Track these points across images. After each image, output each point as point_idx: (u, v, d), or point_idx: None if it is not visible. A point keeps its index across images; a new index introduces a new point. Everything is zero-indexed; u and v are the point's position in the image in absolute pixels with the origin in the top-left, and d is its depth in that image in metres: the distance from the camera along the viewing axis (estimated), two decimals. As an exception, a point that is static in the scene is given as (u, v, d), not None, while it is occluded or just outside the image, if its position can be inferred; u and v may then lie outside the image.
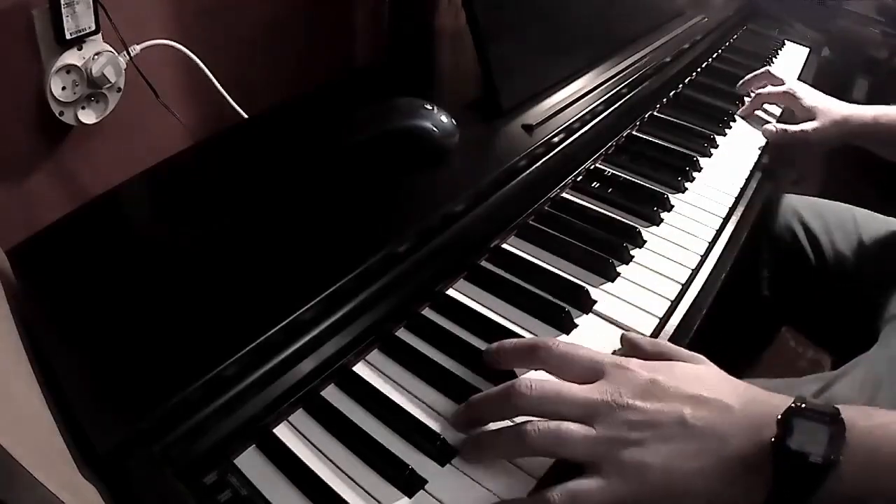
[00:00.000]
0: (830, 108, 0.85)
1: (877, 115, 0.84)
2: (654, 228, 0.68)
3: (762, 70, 0.94)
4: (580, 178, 0.74)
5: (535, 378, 0.41)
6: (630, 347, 0.46)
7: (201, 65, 0.72)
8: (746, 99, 0.93)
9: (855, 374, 0.66)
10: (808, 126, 0.84)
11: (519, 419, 0.41)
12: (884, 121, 0.83)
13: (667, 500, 0.36)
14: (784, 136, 0.84)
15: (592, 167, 0.76)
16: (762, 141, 0.87)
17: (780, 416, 0.35)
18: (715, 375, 0.40)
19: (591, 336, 0.55)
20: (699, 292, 0.61)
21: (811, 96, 0.87)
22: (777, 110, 0.93)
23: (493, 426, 0.43)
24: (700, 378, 0.39)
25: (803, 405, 0.36)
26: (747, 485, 0.35)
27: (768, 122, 0.90)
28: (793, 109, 0.89)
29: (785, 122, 0.87)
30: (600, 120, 0.77)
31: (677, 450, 0.36)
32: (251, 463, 0.44)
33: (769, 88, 0.90)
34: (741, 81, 0.95)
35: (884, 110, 0.84)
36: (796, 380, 0.68)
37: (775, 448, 0.34)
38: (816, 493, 0.34)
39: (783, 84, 0.90)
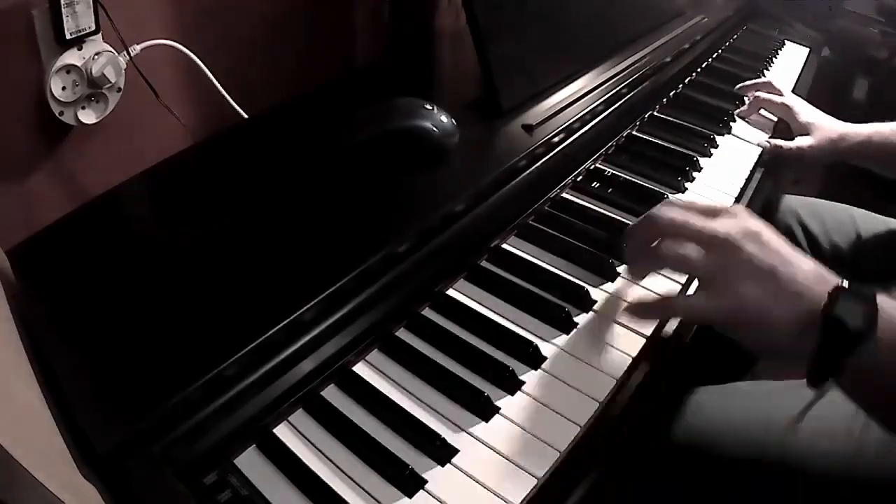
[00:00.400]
0: (825, 125, 0.86)
1: (870, 133, 0.84)
2: (654, 228, 0.68)
3: (764, 80, 0.94)
4: (580, 178, 0.74)
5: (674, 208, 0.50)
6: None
7: (201, 65, 0.72)
8: (746, 99, 0.93)
9: None
10: (802, 143, 0.85)
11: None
12: (877, 139, 0.84)
13: (750, 329, 0.46)
14: (778, 152, 0.84)
15: (592, 167, 0.76)
16: (763, 138, 0.87)
17: (830, 291, 0.44)
18: (793, 247, 0.48)
19: (591, 336, 0.55)
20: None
21: (807, 112, 0.87)
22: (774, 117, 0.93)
23: None
24: (788, 244, 0.48)
25: (846, 286, 0.44)
26: (803, 341, 0.43)
27: (768, 120, 0.91)
28: (790, 124, 0.89)
29: (781, 135, 0.87)
30: (600, 120, 0.77)
31: (768, 293, 0.45)
32: (251, 463, 0.44)
33: (769, 95, 0.90)
34: (740, 84, 0.95)
35: (877, 128, 0.85)
36: (797, 382, 0.68)
37: (823, 313, 0.43)
38: (851, 356, 0.42)
39: (782, 95, 0.90)
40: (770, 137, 0.87)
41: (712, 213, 0.49)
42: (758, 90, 0.92)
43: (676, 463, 0.64)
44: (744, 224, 0.48)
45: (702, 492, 0.64)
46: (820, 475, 0.58)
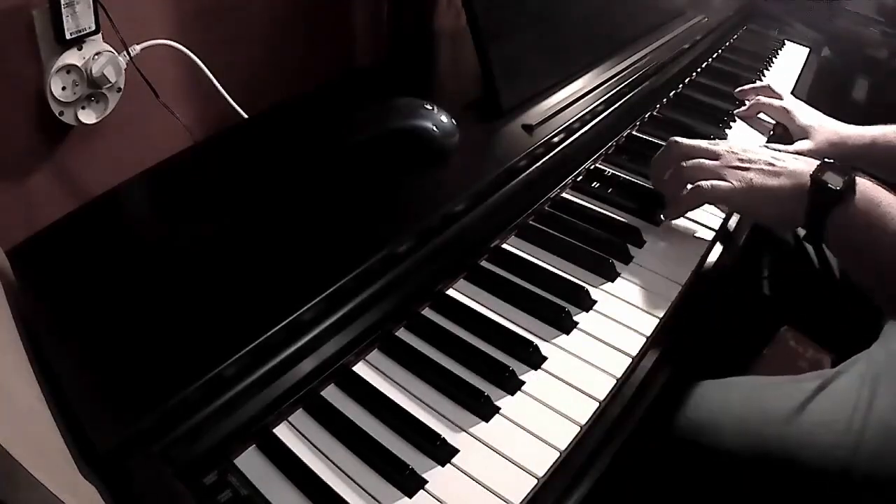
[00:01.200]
0: (825, 127, 0.85)
1: (875, 136, 0.83)
2: (653, 229, 0.68)
3: (764, 84, 0.94)
4: (580, 178, 0.74)
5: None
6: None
7: (201, 65, 0.72)
8: (747, 101, 0.93)
9: (855, 370, 0.66)
10: (802, 146, 0.83)
11: None
12: (881, 143, 0.82)
13: (757, 203, 0.59)
14: None
15: (592, 167, 0.76)
16: (762, 141, 0.87)
17: (818, 164, 0.58)
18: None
19: (591, 336, 0.55)
20: (700, 292, 0.61)
21: (806, 115, 0.87)
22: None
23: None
24: (776, 150, 0.64)
25: (832, 161, 0.58)
26: (798, 205, 0.56)
27: (767, 123, 0.90)
28: (788, 128, 0.88)
29: (778, 139, 0.87)
30: (600, 120, 0.77)
31: (768, 176, 0.59)
32: (251, 463, 0.44)
33: (768, 100, 0.90)
34: (740, 88, 0.94)
35: (881, 131, 0.83)
36: (797, 377, 0.68)
37: (812, 179, 0.56)
38: (832, 212, 0.54)
39: (781, 99, 0.90)
40: (767, 142, 0.86)
41: (710, 142, 0.65)
42: (757, 94, 0.92)
43: (677, 457, 0.64)
44: (739, 142, 0.64)
45: (702, 486, 0.64)
46: (819, 468, 0.58)
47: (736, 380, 0.68)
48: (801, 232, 0.60)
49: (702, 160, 0.62)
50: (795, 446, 0.60)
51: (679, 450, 0.64)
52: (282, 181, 0.62)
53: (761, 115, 0.92)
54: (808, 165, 0.58)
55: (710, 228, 0.68)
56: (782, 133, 0.89)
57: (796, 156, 0.60)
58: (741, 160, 0.61)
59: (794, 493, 0.60)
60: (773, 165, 0.59)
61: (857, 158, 0.84)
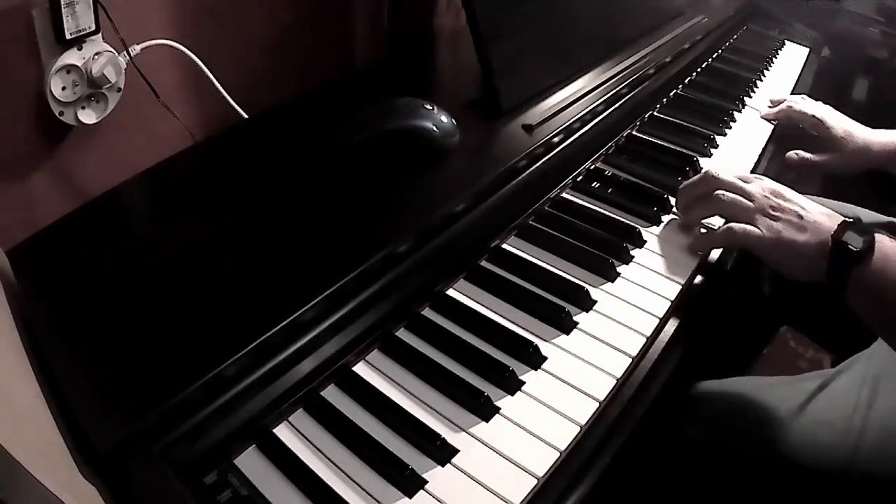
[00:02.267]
0: (855, 136, 0.85)
1: None
2: (654, 228, 0.68)
3: (789, 100, 0.91)
4: (580, 178, 0.74)
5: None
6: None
7: (201, 65, 0.72)
8: (771, 103, 0.92)
9: (855, 369, 0.66)
10: (832, 157, 0.84)
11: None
12: None
13: (782, 256, 0.59)
14: (806, 164, 0.85)
15: (592, 167, 0.76)
16: (762, 141, 0.87)
17: (840, 222, 0.58)
18: (810, 200, 0.63)
19: (591, 336, 0.55)
20: (700, 292, 0.62)
21: (840, 125, 0.86)
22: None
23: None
24: (806, 198, 0.63)
25: (853, 220, 0.59)
26: (820, 262, 0.57)
27: (769, 123, 0.91)
28: (821, 136, 0.87)
29: (779, 137, 0.87)
30: (600, 120, 0.77)
31: (795, 230, 0.59)
32: (251, 463, 0.44)
33: (801, 106, 0.89)
34: (765, 112, 0.92)
35: None
36: (797, 377, 0.68)
37: (833, 239, 0.57)
38: (853, 271, 0.55)
39: (814, 108, 0.88)
40: (796, 150, 0.86)
41: (744, 178, 0.65)
42: (788, 103, 0.90)
43: (676, 458, 0.64)
44: (771, 184, 0.64)
45: (702, 486, 0.64)
46: (820, 468, 0.58)
47: (736, 380, 0.69)
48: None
49: (737, 198, 0.62)
50: (796, 446, 0.60)
51: (679, 450, 0.64)
52: (282, 181, 0.62)
53: (765, 114, 0.92)
54: (832, 222, 0.58)
55: (711, 228, 0.68)
56: (779, 135, 0.90)
57: (822, 209, 0.61)
58: (773, 207, 0.61)
59: (794, 493, 0.60)
60: (802, 218, 0.60)
61: (884, 163, 0.85)
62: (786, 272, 0.59)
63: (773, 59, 1.12)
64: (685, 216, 0.68)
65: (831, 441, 0.59)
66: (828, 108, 0.89)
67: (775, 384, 0.67)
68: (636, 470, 0.62)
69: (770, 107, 0.93)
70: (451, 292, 0.58)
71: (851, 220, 0.59)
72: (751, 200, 0.62)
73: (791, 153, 0.86)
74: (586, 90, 0.78)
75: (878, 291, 0.55)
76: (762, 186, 0.63)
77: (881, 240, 0.56)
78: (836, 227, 0.58)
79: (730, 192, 0.63)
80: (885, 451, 0.57)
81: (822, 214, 0.60)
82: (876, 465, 0.57)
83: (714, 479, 0.64)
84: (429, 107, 0.64)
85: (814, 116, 0.87)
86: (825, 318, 0.91)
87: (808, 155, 0.85)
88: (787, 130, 0.91)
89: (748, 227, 0.61)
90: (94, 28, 0.63)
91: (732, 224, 0.61)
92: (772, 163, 0.84)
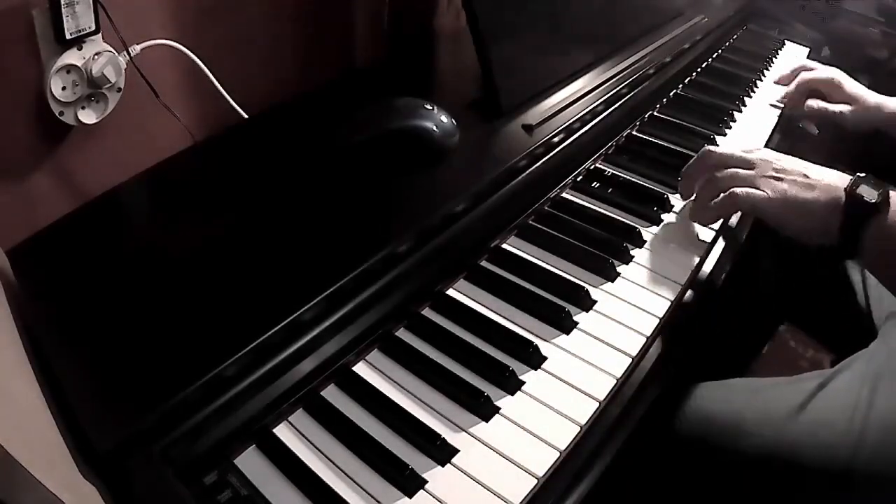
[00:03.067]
0: (867, 97, 0.88)
1: None
2: (654, 228, 0.68)
3: (798, 65, 0.97)
4: (580, 178, 0.74)
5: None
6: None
7: (201, 65, 0.72)
8: (785, 89, 0.95)
9: (855, 368, 0.66)
10: (845, 108, 0.87)
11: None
12: None
13: (791, 216, 0.58)
14: (824, 112, 0.87)
15: (592, 167, 0.76)
16: (762, 141, 0.87)
17: (852, 178, 0.57)
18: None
19: (591, 336, 0.55)
20: (700, 292, 0.61)
21: (851, 85, 0.89)
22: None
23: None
24: (809, 163, 0.62)
25: (864, 175, 0.57)
26: (833, 218, 0.56)
27: (771, 116, 0.92)
28: (835, 98, 0.90)
29: (782, 131, 0.88)
30: (600, 120, 0.77)
31: (803, 188, 0.58)
32: (251, 463, 0.44)
33: (812, 74, 0.92)
34: (779, 76, 0.97)
35: None
36: (797, 377, 0.68)
37: (847, 192, 0.56)
38: (868, 226, 0.54)
39: (825, 72, 0.92)
40: (816, 100, 0.89)
41: (743, 149, 0.64)
42: (796, 72, 0.94)
43: (677, 457, 0.64)
44: (770, 152, 0.63)
45: (702, 485, 0.64)
46: (820, 468, 0.58)
47: (735, 381, 0.68)
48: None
49: (737, 169, 0.62)
50: (796, 446, 0.60)
51: (679, 450, 0.64)
52: (282, 181, 0.62)
53: (771, 99, 0.93)
54: (842, 179, 0.57)
55: (711, 228, 0.68)
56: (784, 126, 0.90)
57: (831, 170, 0.59)
58: (776, 170, 0.60)
59: (794, 493, 0.60)
60: (808, 177, 0.58)
61: (892, 124, 0.87)
62: (796, 232, 0.58)
63: (773, 59, 1.12)
64: (694, 207, 0.66)
65: (831, 441, 0.59)
66: (839, 70, 0.92)
67: (775, 384, 0.67)
68: (636, 470, 0.62)
69: (778, 83, 0.96)
70: (451, 292, 0.58)
71: (863, 175, 0.57)
72: (751, 168, 0.61)
73: (811, 101, 0.88)
74: (586, 90, 0.78)
75: (894, 245, 0.54)
76: (763, 154, 0.63)
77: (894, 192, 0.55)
78: (847, 181, 0.57)
79: (730, 164, 0.62)
80: (885, 451, 0.57)
81: (829, 173, 0.59)
82: (876, 465, 0.57)
83: (714, 479, 0.64)
84: (429, 107, 0.64)
85: (830, 78, 0.90)
86: (825, 318, 0.91)
87: (825, 104, 0.87)
88: (787, 130, 0.91)
89: (751, 189, 0.59)
90: (94, 28, 0.63)
91: (735, 189, 0.60)
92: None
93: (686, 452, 0.64)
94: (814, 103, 0.88)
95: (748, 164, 0.62)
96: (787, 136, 0.90)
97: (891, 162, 0.87)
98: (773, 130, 0.90)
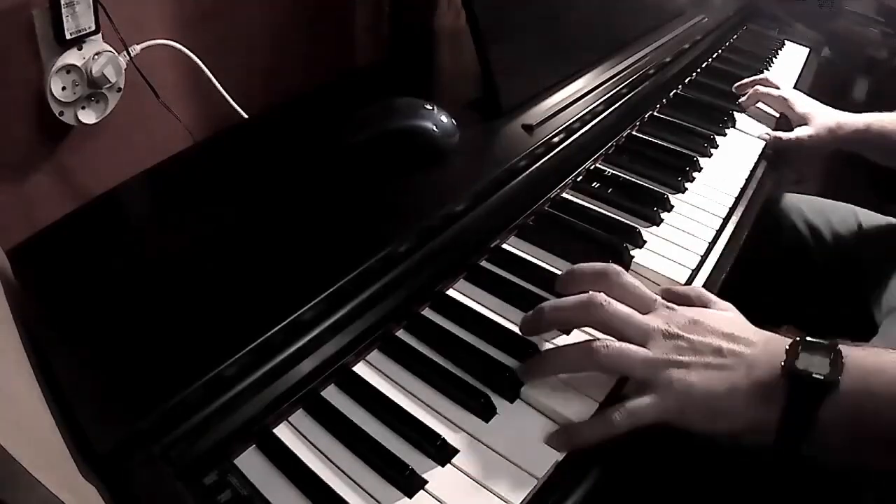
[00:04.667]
0: (822, 114, 0.87)
1: (869, 122, 0.85)
2: (654, 229, 0.68)
3: (760, 76, 0.96)
4: (580, 178, 0.74)
5: (607, 297, 0.47)
6: (669, 294, 0.52)
7: (201, 65, 0.72)
8: (747, 92, 0.94)
9: None
10: (801, 132, 0.85)
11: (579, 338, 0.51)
12: (875, 127, 0.85)
13: (704, 416, 0.43)
14: (779, 143, 0.85)
15: (592, 167, 0.76)
16: (762, 140, 0.87)
17: (787, 346, 0.43)
18: (741, 320, 0.49)
19: (591, 336, 0.55)
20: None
21: (804, 103, 0.89)
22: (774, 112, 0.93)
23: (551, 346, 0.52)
24: (731, 321, 0.48)
25: (807, 339, 0.43)
26: (766, 409, 0.42)
27: (769, 118, 0.91)
28: (787, 115, 0.90)
29: (780, 130, 0.88)
30: (600, 120, 0.77)
31: (715, 373, 0.43)
32: (251, 463, 0.44)
33: (767, 89, 0.92)
34: (738, 83, 0.95)
35: (876, 117, 0.86)
36: None
37: (785, 370, 0.42)
38: (820, 409, 0.40)
39: (779, 89, 0.92)
40: (767, 131, 0.87)
41: (641, 301, 0.48)
42: (755, 85, 0.93)
43: (677, 457, 0.64)
44: (677, 316, 0.47)
45: (703, 485, 0.64)
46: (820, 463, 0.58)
47: None
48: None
49: (629, 346, 0.45)
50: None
51: (679, 449, 0.64)
52: (282, 181, 0.62)
53: (762, 106, 0.93)
54: (771, 345, 0.44)
55: (711, 228, 0.68)
56: (784, 126, 0.90)
57: (754, 333, 0.46)
58: (678, 347, 0.44)
59: (793, 489, 0.60)
60: (722, 355, 0.44)
61: (853, 142, 0.86)
62: (718, 435, 0.44)
63: (773, 59, 1.12)
64: (538, 367, 0.49)
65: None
66: (794, 90, 0.92)
67: None
68: (636, 470, 0.62)
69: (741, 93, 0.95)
70: (451, 292, 0.58)
71: (802, 339, 0.43)
72: (647, 343, 0.45)
73: (763, 133, 0.87)
74: (586, 90, 0.78)
75: (861, 422, 0.40)
76: (666, 317, 0.47)
77: (850, 353, 0.42)
78: (781, 354, 0.43)
79: (622, 325, 0.46)
80: None
81: (754, 342, 0.45)
82: None
83: (714, 479, 0.64)
84: (429, 107, 0.64)
85: (780, 97, 0.90)
86: (827, 315, 0.91)
87: (778, 133, 0.86)
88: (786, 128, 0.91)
89: (636, 406, 0.44)
90: (94, 28, 0.63)
91: (612, 412, 0.44)
92: (771, 163, 0.84)
93: (686, 451, 0.64)
94: (765, 135, 0.87)
95: (644, 333, 0.45)
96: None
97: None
98: (774, 127, 0.90)
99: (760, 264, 0.94)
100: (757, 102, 0.93)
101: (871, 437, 0.40)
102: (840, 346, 0.42)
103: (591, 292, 0.47)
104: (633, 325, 0.46)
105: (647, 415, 0.44)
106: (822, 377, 0.40)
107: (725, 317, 0.48)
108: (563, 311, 0.49)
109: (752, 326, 0.47)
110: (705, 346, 0.44)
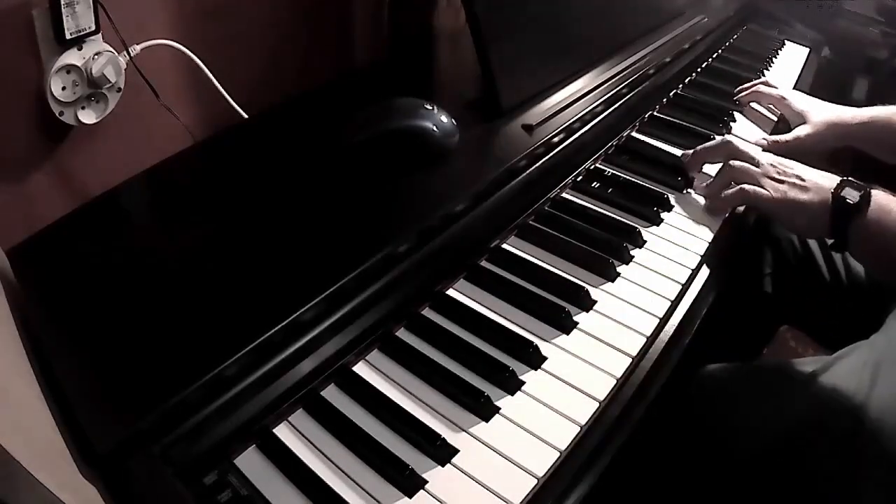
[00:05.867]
0: (822, 111, 0.86)
1: (872, 115, 0.84)
2: (654, 228, 0.68)
3: (761, 80, 0.96)
4: (580, 178, 0.74)
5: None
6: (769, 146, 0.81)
7: (201, 65, 0.72)
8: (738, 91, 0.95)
9: (855, 356, 0.66)
10: (801, 132, 0.85)
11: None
12: (876, 122, 0.84)
13: (791, 215, 0.66)
14: (779, 147, 0.85)
15: (592, 167, 0.76)
16: (762, 135, 0.87)
17: (839, 181, 0.65)
18: (808, 167, 0.69)
19: (591, 336, 0.55)
20: (699, 292, 0.62)
21: (801, 101, 0.88)
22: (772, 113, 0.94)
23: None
24: (804, 167, 0.69)
25: (849, 179, 0.64)
26: (822, 220, 0.64)
27: (769, 120, 0.91)
28: (785, 115, 0.90)
29: (779, 132, 0.88)
30: (600, 120, 0.77)
31: (799, 189, 0.66)
32: (251, 463, 0.44)
33: (766, 89, 0.92)
34: (739, 88, 0.95)
35: (876, 112, 0.84)
36: (796, 360, 0.68)
37: (832, 195, 0.63)
38: (852, 223, 0.62)
39: (777, 89, 0.92)
40: (765, 136, 0.87)
41: (754, 149, 0.71)
42: (756, 87, 0.93)
43: (676, 457, 0.65)
44: (773, 156, 0.70)
45: (701, 470, 0.64)
46: (825, 454, 0.58)
47: (742, 364, 0.70)
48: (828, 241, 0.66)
49: (748, 165, 0.68)
50: (804, 425, 0.60)
51: (679, 450, 0.64)
52: (282, 181, 0.62)
53: (760, 108, 0.93)
54: (831, 182, 0.65)
55: (711, 227, 0.68)
56: (784, 129, 0.90)
57: (823, 173, 0.66)
58: (777, 171, 0.67)
59: (793, 484, 0.60)
60: (803, 180, 0.66)
61: (855, 137, 0.85)
62: (794, 228, 0.69)
63: (773, 59, 1.12)
64: (708, 195, 0.72)
65: (831, 423, 0.59)
66: (792, 89, 0.93)
67: (776, 366, 0.68)
68: (636, 470, 0.62)
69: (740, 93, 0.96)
70: (450, 292, 0.58)
71: (849, 178, 0.64)
72: (758, 167, 0.68)
73: (761, 140, 0.87)
74: (586, 90, 0.78)
75: (877, 240, 0.61)
76: (768, 157, 0.70)
77: (876, 194, 0.62)
78: (835, 183, 0.64)
79: (743, 158, 0.69)
80: (885, 434, 0.57)
81: (822, 176, 0.66)
82: (876, 450, 0.57)
83: (713, 461, 0.64)
84: (429, 107, 0.64)
85: (778, 96, 0.90)
86: (825, 318, 0.91)
87: (776, 137, 0.86)
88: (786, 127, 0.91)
89: (758, 188, 0.67)
90: (94, 28, 0.63)
91: (745, 185, 0.67)
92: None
93: (685, 451, 0.64)
94: (763, 141, 0.86)
95: (756, 162, 0.69)
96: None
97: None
98: (773, 129, 0.90)
99: (762, 263, 0.94)
100: (751, 102, 0.93)
101: (885, 254, 0.61)
102: (871, 188, 0.62)
103: (727, 137, 0.74)
104: (753, 156, 0.70)
105: (762, 198, 0.66)
106: (853, 202, 0.62)
107: (800, 164, 0.69)
108: (707, 150, 0.74)
109: (816, 170, 0.67)
110: (793, 173, 0.67)
